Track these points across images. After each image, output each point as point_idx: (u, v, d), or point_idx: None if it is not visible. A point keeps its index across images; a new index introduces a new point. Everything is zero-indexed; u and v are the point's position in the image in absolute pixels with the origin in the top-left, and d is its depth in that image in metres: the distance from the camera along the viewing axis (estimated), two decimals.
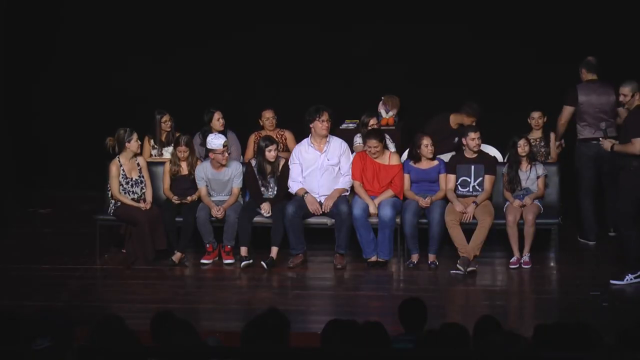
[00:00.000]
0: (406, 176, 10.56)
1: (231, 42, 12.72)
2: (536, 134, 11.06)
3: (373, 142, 10.44)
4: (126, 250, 10.53)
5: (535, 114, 11.07)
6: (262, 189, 10.62)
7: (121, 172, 10.53)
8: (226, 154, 10.54)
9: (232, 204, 10.56)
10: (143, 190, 10.64)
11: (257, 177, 10.61)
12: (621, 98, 9.80)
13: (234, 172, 10.62)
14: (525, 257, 10.20)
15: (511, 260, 10.20)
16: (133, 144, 10.54)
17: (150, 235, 10.35)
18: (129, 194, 10.55)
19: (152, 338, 5.96)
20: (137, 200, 10.54)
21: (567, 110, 10.96)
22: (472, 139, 10.48)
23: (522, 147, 10.48)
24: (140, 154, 10.81)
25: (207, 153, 10.69)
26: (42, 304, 8.88)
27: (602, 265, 10.18)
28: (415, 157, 10.59)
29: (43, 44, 12.98)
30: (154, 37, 12.76)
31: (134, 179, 10.59)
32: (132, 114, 12.11)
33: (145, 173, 10.67)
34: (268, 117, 11.28)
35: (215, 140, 10.53)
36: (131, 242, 10.45)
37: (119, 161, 10.55)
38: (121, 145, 10.55)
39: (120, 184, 10.53)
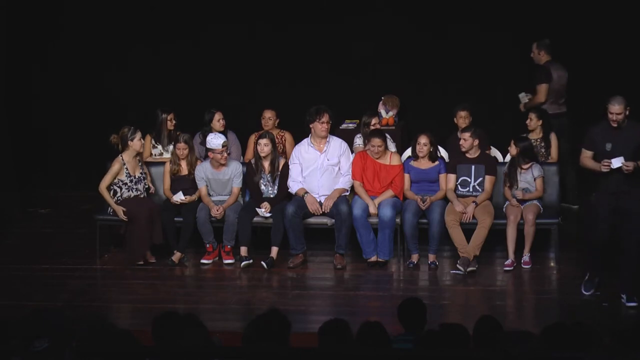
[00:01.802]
0: (406, 176, 10.56)
1: (231, 42, 12.72)
2: (536, 135, 11.05)
3: (377, 142, 10.43)
4: (126, 249, 10.53)
5: (531, 115, 11.09)
6: (262, 187, 10.62)
7: (125, 170, 10.53)
8: (225, 154, 10.54)
9: (232, 203, 10.56)
10: (146, 187, 10.64)
11: (254, 172, 10.59)
12: (615, 117, 9.12)
13: (233, 172, 10.62)
14: (525, 257, 10.20)
15: (506, 263, 10.18)
16: (136, 143, 10.53)
17: (147, 229, 10.34)
18: (133, 191, 10.54)
19: (154, 339, 5.95)
20: (140, 197, 10.54)
21: (545, 88, 11.51)
22: (459, 139, 10.52)
23: (510, 147, 10.49)
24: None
25: (207, 153, 10.69)
26: (42, 304, 8.88)
27: (602, 265, 10.16)
28: (414, 154, 10.60)
29: (43, 43, 12.98)
30: (153, 37, 12.77)
31: (137, 177, 10.60)
32: (133, 114, 12.11)
33: (145, 168, 10.70)
34: (269, 116, 11.28)
35: (215, 140, 10.53)
36: (130, 239, 10.45)
37: (123, 160, 10.55)
38: (124, 143, 10.54)
39: (125, 183, 10.53)
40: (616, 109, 9.14)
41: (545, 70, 11.60)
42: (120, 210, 10.41)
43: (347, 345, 5.65)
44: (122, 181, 10.54)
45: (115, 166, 10.53)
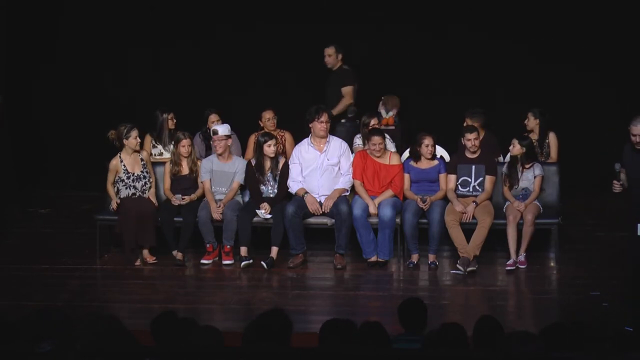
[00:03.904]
0: (406, 176, 10.56)
1: (231, 42, 12.72)
2: (534, 135, 11.05)
3: (377, 139, 10.44)
4: (121, 247, 10.54)
5: (529, 114, 11.08)
6: (262, 187, 10.62)
7: (122, 167, 10.56)
8: (222, 142, 10.59)
9: (231, 198, 10.57)
10: (144, 187, 10.63)
11: (256, 174, 10.61)
12: (638, 139, 8.45)
13: (239, 167, 10.66)
14: (521, 257, 10.19)
15: (508, 262, 10.17)
16: (131, 141, 10.57)
17: (135, 229, 10.35)
18: (130, 189, 10.56)
19: (154, 339, 5.95)
20: (137, 195, 10.54)
21: (352, 90, 11.69)
22: (468, 140, 10.49)
23: (512, 147, 10.47)
24: (140, 150, 10.81)
25: (209, 148, 10.83)
26: (42, 304, 8.87)
27: (602, 265, 10.17)
28: (415, 155, 10.59)
29: (42, 43, 12.99)
30: (153, 38, 12.77)
31: (135, 174, 10.60)
32: (132, 114, 12.11)
33: (149, 167, 10.69)
34: (268, 117, 11.29)
35: (220, 128, 10.68)
36: (121, 239, 10.47)
37: (120, 157, 10.58)
38: (120, 142, 10.57)
39: (122, 180, 10.56)
40: (638, 130, 8.48)
41: (350, 73, 11.72)
42: (114, 202, 10.49)
43: (347, 345, 5.65)
44: (120, 178, 10.56)
45: (113, 163, 10.57)
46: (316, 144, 10.69)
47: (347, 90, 11.69)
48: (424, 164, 10.57)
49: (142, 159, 10.68)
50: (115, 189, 10.61)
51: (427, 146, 10.48)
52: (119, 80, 12.83)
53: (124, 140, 10.55)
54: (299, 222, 10.42)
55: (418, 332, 6.48)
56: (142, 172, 10.66)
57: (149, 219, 10.43)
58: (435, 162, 10.58)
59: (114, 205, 10.51)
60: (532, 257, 10.22)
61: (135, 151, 10.65)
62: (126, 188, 10.58)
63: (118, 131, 10.61)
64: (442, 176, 10.53)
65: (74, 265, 10.50)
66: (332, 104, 11.59)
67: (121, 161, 10.58)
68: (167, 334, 5.87)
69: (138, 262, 10.45)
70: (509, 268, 10.13)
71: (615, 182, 8.69)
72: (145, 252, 10.51)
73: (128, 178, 10.59)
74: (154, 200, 10.62)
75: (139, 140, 10.68)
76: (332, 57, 11.80)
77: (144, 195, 10.61)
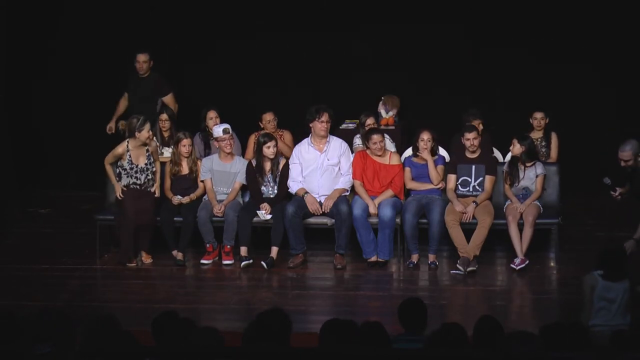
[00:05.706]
0: (407, 169, 10.54)
1: (232, 43, 12.72)
2: (537, 134, 11.07)
3: (377, 137, 10.43)
4: (120, 247, 10.54)
5: (538, 114, 11.10)
6: (262, 187, 10.62)
7: (127, 157, 10.53)
8: (229, 142, 10.58)
9: (233, 199, 10.56)
10: (147, 178, 10.60)
11: (256, 175, 10.61)
12: (623, 164, 8.57)
13: (240, 167, 10.64)
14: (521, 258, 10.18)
15: (516, 262, 10.09)
16: (143, 134, 10.51)
17: (134, 229, 10.33)
18: (132, 179, 10.53)
19: (154, 338, 5.95)
20: (140, 187, 10.53)
21: (174, 96, 11.74)
22: (467, 139, 10.48)
23: (513, 146, 10.45)
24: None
25: (208, 147, 10.89)
26: (42, 304, 8.88)
27: None
28: (415, 150, 10.58)
29: (43, 43, 12.98)
30: (154, 38, 12.75)
31: (139, 167, 10.57)
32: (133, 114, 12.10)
33: (155, 157, 10.65)
34: (269, 119, 11.29)
35: (217, 129, 10.67)
36: (120, 235, 10.46)
37: (128, 146, 10.56)
38: (131, 133, 10.54)
39: (124, 169, 10.52)
40: (626, 155, 8.51)
41: (165, 81, 11.81)
42: (119, 188, 10.45)
43: (347, 345, 5.65)
44: (122, 166, 10.55)
45: (119, 149, 10.54)
46: (316, 144, 10.69)
47: (169, 98, 11.75)
48: (424, 161, 10.54)
49: (147, 150, 10.63)
50: (117, 172, 10.57)
51: (422, 140, 10.46)
52: (119, 80, 12.80)
53: (136, 133, 10.51)
54: (299, 222, 10.42)
55: (418, 332, 6.49)
56: (146, 164, 10.61)
57: (147, 221, 10.40)
58: (435, 157, 10.55)
59: (118, 192, 10.46)
60: (532, 257, 10.21)
61: (147, 144, 10.62)
62: (128, 176, 10.53)
63: (130, 122, 10.60)
64: (439, 167, 10.50)
65: (74, 265, 10.50)
66: (144, 109, 11.40)
67: (128, 150, 10.56)
68: (167, 334, 5.87)
69: (134, 264, 10.43)
70: (520, 266, 10.05)
71: (612, 193, 8.83)
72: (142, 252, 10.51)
73: (132, 169, 10.55)
74: (158, 192, 10.58)
75: (151, 133, 10.64)
76: (146, 63, 11.80)
77: (150, 189, 10.56)
